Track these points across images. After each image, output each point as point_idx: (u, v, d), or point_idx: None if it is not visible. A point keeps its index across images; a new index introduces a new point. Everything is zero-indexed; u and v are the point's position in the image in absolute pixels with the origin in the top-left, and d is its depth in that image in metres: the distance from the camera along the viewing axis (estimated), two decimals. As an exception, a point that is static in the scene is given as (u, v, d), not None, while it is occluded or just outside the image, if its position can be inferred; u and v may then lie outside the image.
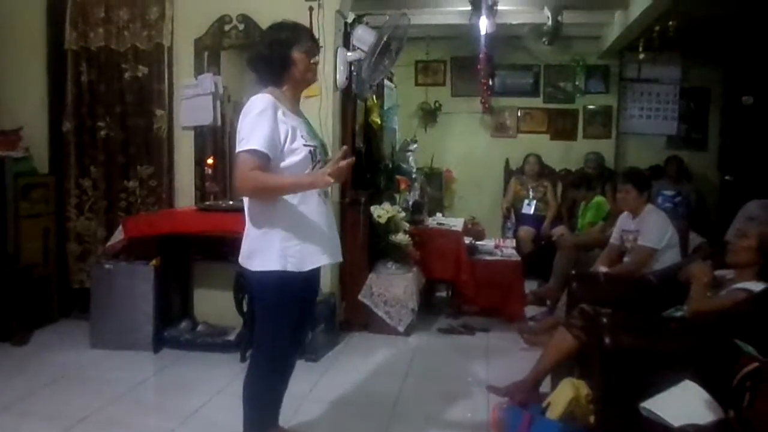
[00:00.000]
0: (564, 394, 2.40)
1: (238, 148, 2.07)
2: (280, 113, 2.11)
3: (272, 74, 2.19)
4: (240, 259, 2.22)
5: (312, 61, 2.22)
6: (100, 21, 4.12)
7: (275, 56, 2.16)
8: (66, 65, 4.19)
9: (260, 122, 2.05)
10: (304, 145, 2.14)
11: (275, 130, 2.08)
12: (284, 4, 3.80)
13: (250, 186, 2.08)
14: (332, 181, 2.06)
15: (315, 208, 2.19)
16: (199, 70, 4.07)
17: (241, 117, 2.11)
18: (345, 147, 2.24)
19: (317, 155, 2.19)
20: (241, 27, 3.97)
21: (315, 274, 2.30)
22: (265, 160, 2.05)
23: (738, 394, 1.94)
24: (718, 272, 2.89)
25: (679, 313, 2.82)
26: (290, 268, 2.13)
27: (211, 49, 4.08)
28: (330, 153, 2.38)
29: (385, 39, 3.76)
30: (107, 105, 4.17)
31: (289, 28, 2.24)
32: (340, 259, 2.40)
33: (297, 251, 2.13)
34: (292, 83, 2.21)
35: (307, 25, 3.69)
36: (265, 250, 2.13)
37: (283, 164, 2.11)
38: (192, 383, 3.30)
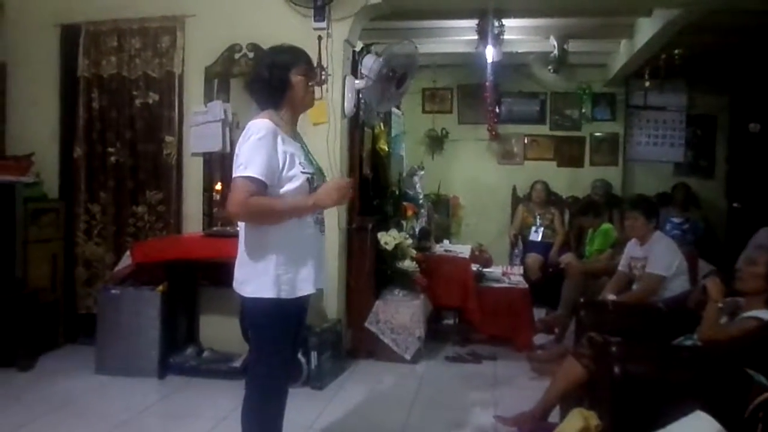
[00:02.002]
0: (573, 425, 2.36)
1: (237, 172, 2.06)
2: (279, 139, 2.11)
3: (271, 97, 2.19)
4: (234, 285, 2.21)
5: (310, 84, 2.23)
6: (113, 50, 4.20)
7: (274, 79, 2.16)
8: (78, 92, 4.26)
9: (259, 148, 2.05)
10: (302, 172, 2.14)
11: (274, 157, 2.08)
12: (293, 32, 3.86)
13: (247, 211, 2.06)
14: (333, 199, 2.10)
15: (310, 236, 2.21)
16: (208, 98, 4.12)
17: (240, 141, 2.11)
18: (351, 179, 2.27)
19: (314, 182, 2.19)
20: (250, 55, 4.02)
21: (305, 300, 2.30)
22: (262, 188, 2.05)
23: (751, 424, 1.91)
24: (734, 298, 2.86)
25: (689, 342, 2.79)
26: (284, 295, 2.13)
27: (221, 76, 4.13)
28: (328, 178, 2.38)
29: (382, 61, 3.80)
30: (118, 131, 4.23)
31: (287, 51, 2.25)
32: (325, 285, 2.43)
33: (290, 278, 2.14)
34: (290, 107, 2.22)
35: (316, 53, 3.75)
36: (260, 277, 2.12)
37: (281, 191, 2.11)
38: (197, 410, 3.27)
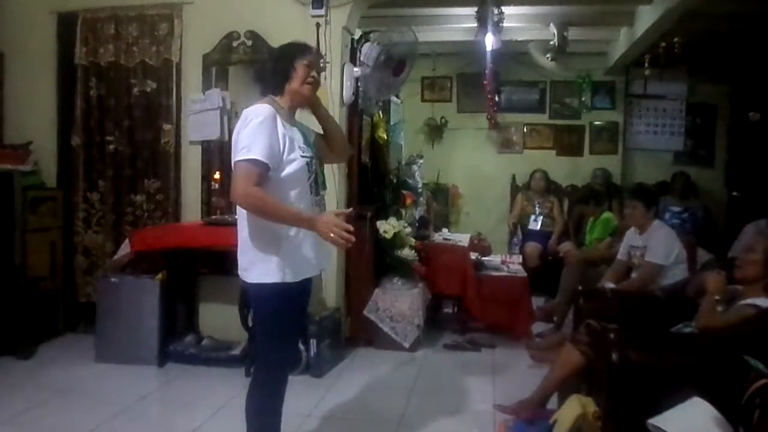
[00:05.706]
0: (571, 411, 2.38)
1: (239, 156, 2.07)
2: (279, 123, 2.14)
3: (274, 83, 2.25)
4: (239, 272, 2.24)
5: (312, 74, 2.25)
6: (110, 37, 4.18)
7: (280, 67, 2.24)
8: (76, 80, 4.24)
9: (261, 132, 2.07)
10: (302, 156, 2.18)
11: (275, 141, 2.11)
12: (291, 20, 3.85)
13: (251, 202, 2.07)
14: (328, 232, 2.04)
15: None
16: (206, 85, 4.10)
17: (239, 126, 2.12)
18: (351, 209, 2.35)
19: (313, 165, 2.23)
20: (248, 43, 4.01)
21: (308, 285, 2.34)
22: (265, 170, 2.07)
23: (747, 411, 1.92)
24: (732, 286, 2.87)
25: (687, 329, 2.80)
26: (288, 279, 2.16)
27: (219, 64, 4.11)
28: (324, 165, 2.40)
29: (379, 47, 3.79)
30: (116, 119, 4.21)
31: (297, 43, 2.33)
32: (329, 266, 2.45)
33: (292, 262, 2.17)
34: (289, 93, 2.25)
35: (314, 41, 3.74)
36: (264, 262, 2.15)
37: (282, 174, 2.13)
38: (196, 398, 3.28)
